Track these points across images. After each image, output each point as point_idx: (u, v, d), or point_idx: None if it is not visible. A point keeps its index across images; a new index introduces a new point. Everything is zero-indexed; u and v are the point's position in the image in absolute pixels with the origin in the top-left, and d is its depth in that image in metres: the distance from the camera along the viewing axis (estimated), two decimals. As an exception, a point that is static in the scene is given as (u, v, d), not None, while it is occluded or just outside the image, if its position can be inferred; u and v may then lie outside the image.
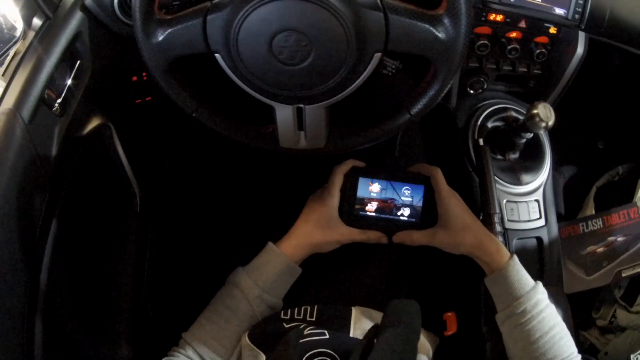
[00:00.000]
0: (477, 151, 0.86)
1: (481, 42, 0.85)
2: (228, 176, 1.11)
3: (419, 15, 0.58)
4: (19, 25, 0.80)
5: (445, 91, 0.65)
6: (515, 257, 0.72)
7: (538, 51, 0.89)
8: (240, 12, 0.58)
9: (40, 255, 0.75)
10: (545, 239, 0.91)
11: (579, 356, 0.68)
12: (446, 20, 0.59)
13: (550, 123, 0.78)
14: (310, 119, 0.67)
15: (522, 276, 0.70)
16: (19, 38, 0.79)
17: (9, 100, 0.73)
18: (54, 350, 0.77)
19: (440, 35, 0.59)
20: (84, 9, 0.81)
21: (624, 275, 1.00)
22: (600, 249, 1.09)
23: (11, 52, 0.78)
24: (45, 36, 0.79)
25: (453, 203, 0.74)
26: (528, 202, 0.89)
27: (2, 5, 0.80)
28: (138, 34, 0.64)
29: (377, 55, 0.61)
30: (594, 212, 1.11)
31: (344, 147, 0.71)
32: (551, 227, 0.92)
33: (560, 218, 0.99)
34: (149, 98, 0.97)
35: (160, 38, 0.63)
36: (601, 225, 1.09)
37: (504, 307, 0.70)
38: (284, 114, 0.67)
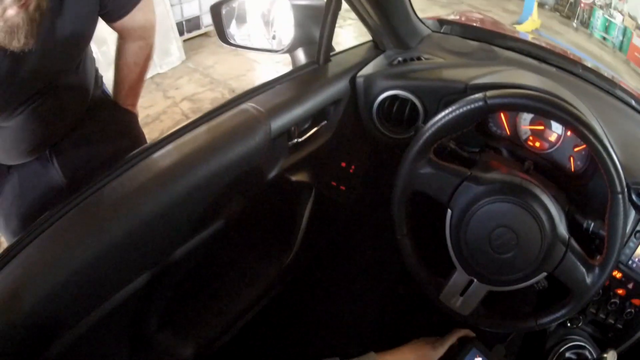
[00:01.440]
0: None
1: None
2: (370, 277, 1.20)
3: (583, 260, 0.77)
4: (282, 41, 0.90)
5: (569, 317, 0.82)
6: None
7: (629, 310, 1.06)
8: (489, 197, 0.75)
9: (185, 243, 0.82)
10: None
11: None
12: (597, 271, 0.77)
13: None
14: (473, 292, 0.84)
15: None
16: (275, 52, 0.91)
17: (262, 103, 0.79)
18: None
19: (589, 279, 0.78)
20: (353, 82, 0.93)
21: None
22: None
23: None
24: (314, 79, 0.89)
25: None
26: None
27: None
28: (409, 158, 0.78)
29: (544, 274, 0.79)
30: None
31: (478, 324, 0.88)
32: None
33: None
34: (343, 188, 1.10)
35: (423, 172, 0.79)
36: None
37: None
38: (459, 278, 0.84)
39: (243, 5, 0.99)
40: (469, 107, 0.73)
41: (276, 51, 0.93)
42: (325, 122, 0.94)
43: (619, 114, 1.00)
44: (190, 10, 3.99)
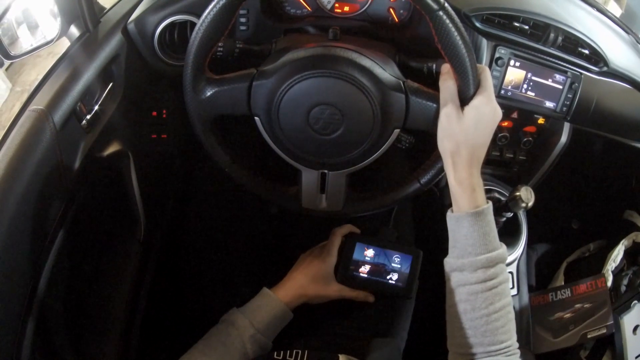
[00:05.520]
0: None
1: None
2: (229, 221, 1.14)
3: (433, 97, 0.67)
4: (53, 30, 0.79)
5: None
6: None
7: (525, 139, 0.99)
8: (285, 83, 0.66)
9: (43, 261, 0.75)
10: (517, 306, 1.01)
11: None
12: None
13: (530, 204, 0.85)
14: (332, 184, 0.75)
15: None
16: (52, 41, 0.79)
17: (41, 101, 0.72)
18: (40, 357, 0.75)
19: None
20: (125, 32, 0.86)
21: (589, 336, 1.06)
22: (568, 315, 1.16)
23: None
24: (85, 49, 0.81)
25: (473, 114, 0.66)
26: (503, 273, 0.98)
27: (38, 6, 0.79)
28: (187, 88, 0.69)
29: (396, 131, 0.70)
30: (563, 284, 1.20)
31: (359, 211, 0.79)
32: (522, 296, 1.02)
33: (530, 289, 1.08)
34: (165, 136, 1.02)
35: (208, 95, 0.69)
36: (569, 295, 1.17)
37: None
38: (309, 177, 0.75)
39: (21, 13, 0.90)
40: (217, 6, 0.65)
41: (50, 41, 0.84)
42: (112, 83, 0.86)
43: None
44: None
